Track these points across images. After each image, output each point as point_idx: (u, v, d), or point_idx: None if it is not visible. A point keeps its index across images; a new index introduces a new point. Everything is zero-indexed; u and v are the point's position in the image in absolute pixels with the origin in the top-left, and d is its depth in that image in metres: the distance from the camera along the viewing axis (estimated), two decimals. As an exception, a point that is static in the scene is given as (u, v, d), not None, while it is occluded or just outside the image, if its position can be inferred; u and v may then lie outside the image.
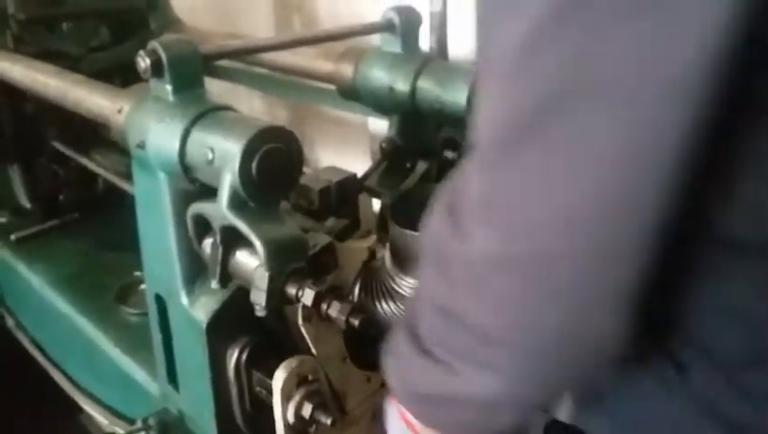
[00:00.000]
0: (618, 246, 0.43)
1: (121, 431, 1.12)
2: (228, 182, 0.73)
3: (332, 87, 1.20)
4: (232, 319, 0.87)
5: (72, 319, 1.27)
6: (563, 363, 0.48)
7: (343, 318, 0.77)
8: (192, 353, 0.89)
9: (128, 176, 1.34)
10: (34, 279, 1.38)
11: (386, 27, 1.07)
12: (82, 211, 1.60)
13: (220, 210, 0.74)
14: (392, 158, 1.03)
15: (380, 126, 1.55)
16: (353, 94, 1.15)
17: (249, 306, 0.86)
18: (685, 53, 0.38)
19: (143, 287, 1.30)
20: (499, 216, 0.45)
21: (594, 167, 0.41)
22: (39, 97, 1.08)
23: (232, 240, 0.77)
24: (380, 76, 1.09)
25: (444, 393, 0.52)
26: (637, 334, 0.47)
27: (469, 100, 0.98)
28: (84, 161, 1.40)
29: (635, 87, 0.39)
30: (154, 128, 0.80)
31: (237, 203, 0.74)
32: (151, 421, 0.98)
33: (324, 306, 0.77)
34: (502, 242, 0.45)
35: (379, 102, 1.12)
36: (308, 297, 0.72)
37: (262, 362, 0.89)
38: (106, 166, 1.40)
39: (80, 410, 1.42)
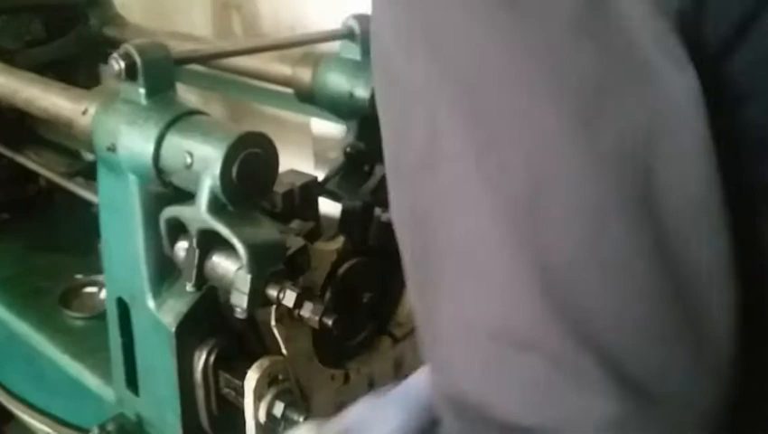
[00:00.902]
0: None
1: (71, 439, 1.09)
2: (207, 186, 0.74)
3: (287, 90, 1.22)
4: (200, 322, 0.87)
5: (11, 325, 1.21)
6: None
7: (317, 318, 0.80)
8: (158, 357, 0.89)
9: (69, 176, 1.32)
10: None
11: (346, 35, 1.10)
12: (11, 212, 1.53)
13: (199, 213, 0.75)
14: (352, 162, 1.06)
15: (324, 128, 1.57)
16: (311, 98, 1.17)
17: (216, 309, 0.87)
18: None
19: (87, 290, 1.28)
20: None
21: None
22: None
23: (208, 243, 0.78)
24: (340, 82, 1.11)
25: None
26: None
27: (428, 109, 1.03)
28: (22, 160, 1.35)
29: None
30: (126, 131, 0.80)
31: (216, 207, 0.75)
32: (110, 427, 0.97)
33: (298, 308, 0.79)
34: None
35: (338, 107, 1.14)
36: (290, 298, 0.75)
37: (229, 363, 0.90)
38: (43, 166, 1.35)
39: (9, 418, 1.37)
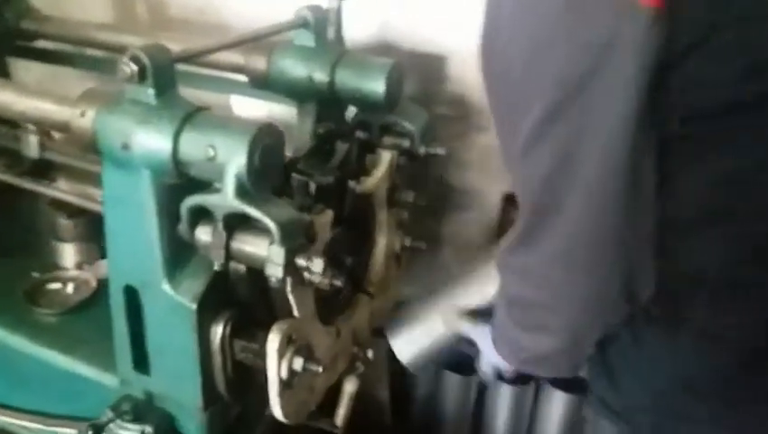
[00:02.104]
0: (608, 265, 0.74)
1: (69, 430, 1.12)
2: (233, 174, 0.83)
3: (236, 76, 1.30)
4: (215, 298, 0.96)
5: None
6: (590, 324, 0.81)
7: (327, 281, 0.92)
8: (175, 335, 0.97)
9: (17, 175, 1.30)
10: None
11: (301, 24, 1.19)
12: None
13: (226, 200, 0.84)
14: (322, 141, 1.17)
15: (243, 106, 1.62)
16: (265, 84, 1.26)
17: (227, 285, 0.97)
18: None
19: (51, 286, 1.30)
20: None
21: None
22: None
23: (232, 225, 0.87)
24: (297, 67, 1.21)
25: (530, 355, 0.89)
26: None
27: (386, 90, 1.16)
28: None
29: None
30: (140, 130, 0.86)
31: (241, 193, 0.84)
32: (124, 407, 1.03)
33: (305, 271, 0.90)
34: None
35: (295, 91, 1.24)
36: (318, 265, 0.86)
37: (243, 332, 1.00)
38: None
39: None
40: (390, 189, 1.25)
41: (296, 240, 0.86)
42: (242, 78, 1.30)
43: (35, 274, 1.32)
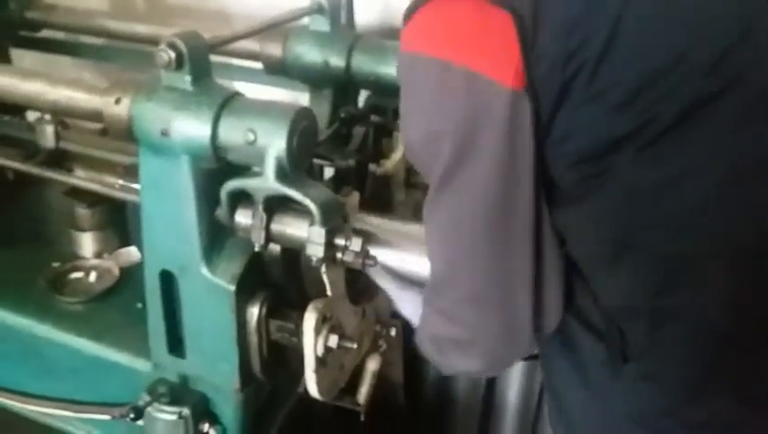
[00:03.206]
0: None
1: (105, 416, 1.14)
2: (273, 157, 0.85)
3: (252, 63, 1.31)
4: (251, 280, 0.99)
5: (6, 321, 1.21)
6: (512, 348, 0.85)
7: (361, 260, 0.95)
8: (213, 318, 0.99)
9: (36, 165, 1.30)
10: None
11: (316, 9, 1.21)
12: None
13: (267, 182, 0.86)
14: (344, 125, 1.19)
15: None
16: (281, 70, 1.27)
17: (263, 266, 0.99)
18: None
19: (74, 276, 1.31)
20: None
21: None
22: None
23: (272, 208, 0.89)
24: (313, 53, 1.23)
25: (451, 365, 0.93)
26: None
27: (403, 72, 1.18)
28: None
29: None
30: (178, 116, 0.87)
31: (281, 175, 0.86)
32: (161, 389, 1.05)
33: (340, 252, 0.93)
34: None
35: (311, 77, 1.26)
36: (356, 244, 0.89)
37: (277, 312, 1.02)
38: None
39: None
40: (407, 171, 1.28)
41: (335, 220, 0.89)
42: (256, 65, 1.31)
43: (56, 264, 1.32)
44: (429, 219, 0.83)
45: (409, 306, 1.04)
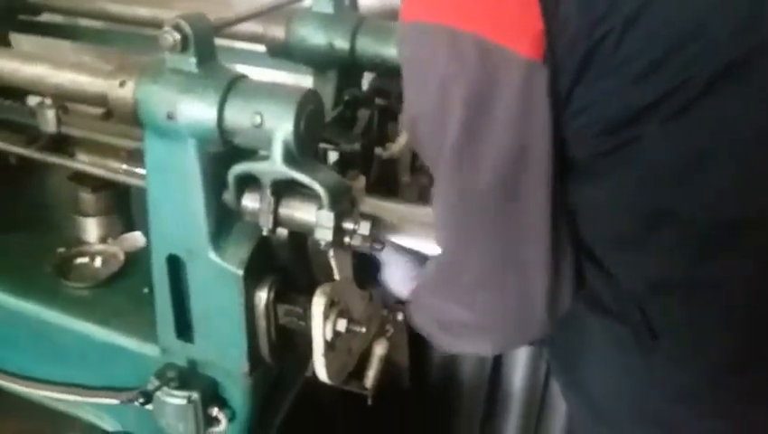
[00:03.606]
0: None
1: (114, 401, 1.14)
2: (280, 140, 0.84)
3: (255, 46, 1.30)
4: (259, 264, 0.98)
5: (12, 306, 1.21)
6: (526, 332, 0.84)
7: (368, 244, 0.95)
8: (221, 301, 0.99)
9: (39, 149, 1.29)
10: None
11: (320, -10, 1.19)
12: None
13: (274, 166, 0.85)
14: (349, 108, 1.18)
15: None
16: (285, 53, 1.26)
17: (270, 251, 0.99)
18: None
19: (79, 261, 1.31)
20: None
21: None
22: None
23: (280, 192, 0.88)
24: (317, 35, 1.22)
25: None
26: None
27: (409, 54, 1.17)
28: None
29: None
30: (184, 99, 0.86)
31: (289, 159, 0.85)
32: (170, 374, 1.05)
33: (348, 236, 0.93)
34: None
35: (315, 59, 1.25)
36: (365, 228, 0.88)
37: (285, 296, 1.02)
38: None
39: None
40: (413, 154, 1.27)
41: (343, 204, 0.88)
42: (258, 47, 1.30)
43: (61, 249, 1.32)
44: (438, 199, 0.81)
45: (399, 272, 1.03)
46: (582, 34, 0.67)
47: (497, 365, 1.74)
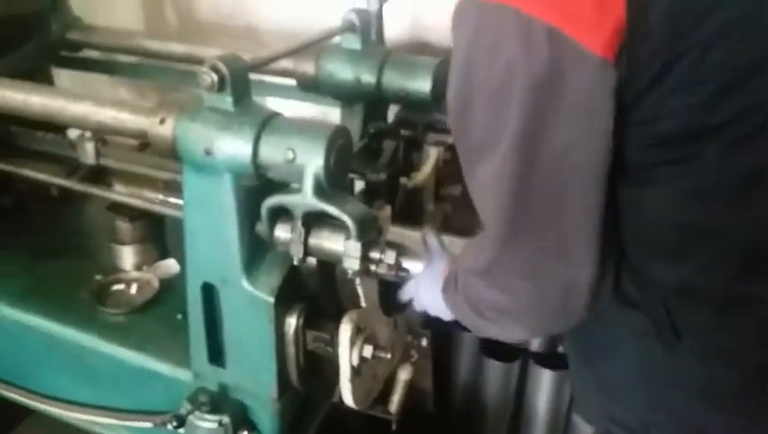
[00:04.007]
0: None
1: (146, 425, 1.18)
2: (311, 174, 0.88)
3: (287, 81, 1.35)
4: (288, 292, 1.02)
5: (51, 330, 1.26)
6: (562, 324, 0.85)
7: (393, 273, 0.98)
8: (252, 328, 1.02)
9: (79, 180, 1.35)
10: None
11: (348, 28, 1.25)
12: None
13: (306, 199, 0.89)
14: (374, 140, 1.22)
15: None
16: (314, 87, 1.31)
17: (300, 279, 1.02)
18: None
19: (115, 288, 1.36)
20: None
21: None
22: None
23: (310, 223, 0.92)
24: (345, 70, 1.27)
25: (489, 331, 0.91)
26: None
27: (432, 88, 1.21)
28: (19, 170, 1.36)
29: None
30: (221, 136, 0.91)
31: (319, 191, 0.89)
32: (202, 398, 1.09)
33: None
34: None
35: (343, 93, 1.30)
36: (390, 257, 0.92)
37: (313, 322, 1.05)
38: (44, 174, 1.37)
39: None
40: (437, 183, 1.31)
41: (370, 234, 0.92)
42: (289, 81, 1.35)
43: (98, 276, 1.37)
44: (490, 184, 0.77)
45: (433, 293, 1.01)
46: (664, 47, 0.68)
47: (520, 389, 1.74)
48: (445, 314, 1.02)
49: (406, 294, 1.07)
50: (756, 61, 0.69)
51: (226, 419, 1.09)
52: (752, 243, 0.76)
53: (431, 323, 1.35)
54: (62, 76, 1.77)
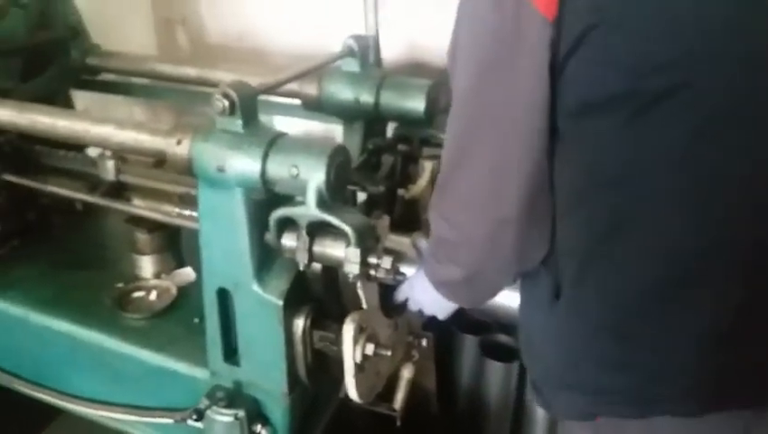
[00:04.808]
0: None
1: (167, 421, 1.28)
2: (314, 188, 0.98)
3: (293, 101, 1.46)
4: (296, 295, 1.12)
5: (77, 335, 1.36)
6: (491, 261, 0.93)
7: (392, 276, 1.07)
8: (264, 329, 1.12)
9: (101, 195, 1.45)
10: (13, 308, 1.42)
11: (348, 53, 1.35)
12: (21, 237, 1.63)
13: (309, 210, 0.99)
14: (373, 155, 1.32)
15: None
16: (317, 107, 1.42)
17: (306, 283, 1.12)
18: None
19: (136, 295, 1.46)
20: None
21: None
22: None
23: (314, 232, 1.02)
24: (345, 91, 1.37)
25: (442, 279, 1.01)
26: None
27: (426, 107, 1.31)
28: (43, 186, 1.47)
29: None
30: (232, 155, 1.01)
31: (321, 203, 0.99)
32: (219, 394, 1.18)
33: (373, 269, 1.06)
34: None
35: (344, 112, 1.40)
36: (387, 262, 1.01)
37: (319, 323, 1.15)
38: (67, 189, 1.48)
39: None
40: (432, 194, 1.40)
41: (368, 242, 1.02)
42: (294, 101, 1.46)
43: (119, 284, 1.47)
44: (452, 118, 0.90)
45: (429, 295, 1.09)
46: (580, 14, 0.78)
47: (522, 389, 1.82)
48: (440, 312, 1.12)
49: (401, 294, 1.16)
50: (647, 45, 0.77)
51: (241, 414, 1.18)
52: (620, 206, 0.85)
53: (431, 324, 1.45)
54: (81, 97, 1.89)
